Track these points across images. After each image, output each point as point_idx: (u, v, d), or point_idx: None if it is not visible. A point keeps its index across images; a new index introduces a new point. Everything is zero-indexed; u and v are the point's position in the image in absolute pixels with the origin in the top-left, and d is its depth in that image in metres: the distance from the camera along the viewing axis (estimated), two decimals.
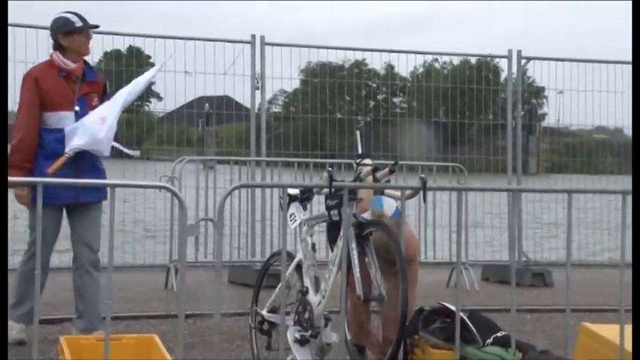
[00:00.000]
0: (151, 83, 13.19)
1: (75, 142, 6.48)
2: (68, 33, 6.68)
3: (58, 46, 6.71)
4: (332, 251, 5.68)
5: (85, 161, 6.57)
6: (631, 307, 5.20)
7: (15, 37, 9.42)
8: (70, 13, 6.77)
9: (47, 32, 6.92)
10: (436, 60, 13.41)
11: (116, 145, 6.73)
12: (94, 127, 6.52)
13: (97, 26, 6.92)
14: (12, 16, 7.45)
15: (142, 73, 7.07)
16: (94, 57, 10.91)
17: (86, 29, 6.75)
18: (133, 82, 6.99)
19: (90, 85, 6.77)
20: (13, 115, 7.11)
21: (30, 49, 9.47)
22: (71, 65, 6.67)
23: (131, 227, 11.06)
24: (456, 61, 13.52)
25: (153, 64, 11.85)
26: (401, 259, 5.22)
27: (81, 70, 6.75)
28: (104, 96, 6.84)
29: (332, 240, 5.69)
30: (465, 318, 5.49)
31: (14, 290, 6.72)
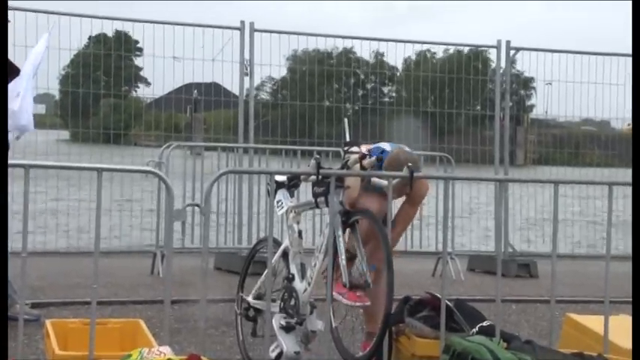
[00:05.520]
0: (138, 68, 13.13)
1: None
2: None
3: None
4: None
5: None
6: (615, 299, 5.24)
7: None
8: None
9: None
10: (428, 50, 13.38)
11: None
12: (11, 105, 6.53)
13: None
14: None
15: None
16: (82, 40, 10.88)
17: None
18: (32, 54, 7.03)
19: None
20: None
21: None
22: None
23: (117, 213, 11.02)
24: (445, 51, 13.54)
25: (141, 49, 11.85)
26: (387, 246, 5.23)
27: None
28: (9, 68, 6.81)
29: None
30: (452, 307, 5.51)
31: None
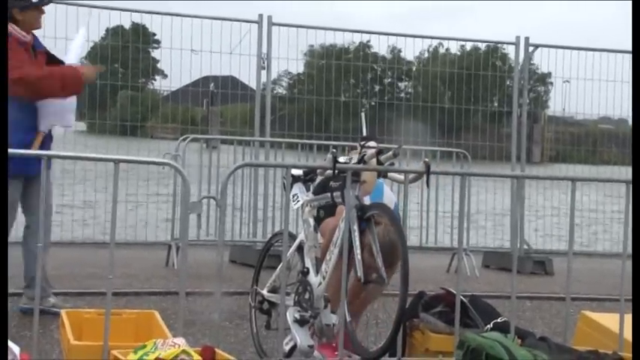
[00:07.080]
0: (155, 61, 13.19)
1: (50, 120, 6.61)
2: (24, 8, 6.63)
3: (13, 20, 6.55)
4: (315, 231, 5.73)
5: (48, 134, 6.69)
6: (631, 297, 5.21)
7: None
8: None
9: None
10: (441, 44, 13.33)
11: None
12: (61, 101, 6.63)
13: (51, 1, 6.91)
14: None
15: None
16: (100, 32, 10.91)
17: (42, 4, 6.74)
18: (73, 47, 7.05)
19: (41, 55, 6.77)
20: None
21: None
22: (28, 37, 6.66)
23: (133, 204, 11.05)
24: (462, 47, 13.50)
25: (158, 42, 11.88)
26: (403, 241, 5.22)
27: (32, 41, 6.75)
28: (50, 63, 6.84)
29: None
30: (467, 303, 5.50)
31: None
